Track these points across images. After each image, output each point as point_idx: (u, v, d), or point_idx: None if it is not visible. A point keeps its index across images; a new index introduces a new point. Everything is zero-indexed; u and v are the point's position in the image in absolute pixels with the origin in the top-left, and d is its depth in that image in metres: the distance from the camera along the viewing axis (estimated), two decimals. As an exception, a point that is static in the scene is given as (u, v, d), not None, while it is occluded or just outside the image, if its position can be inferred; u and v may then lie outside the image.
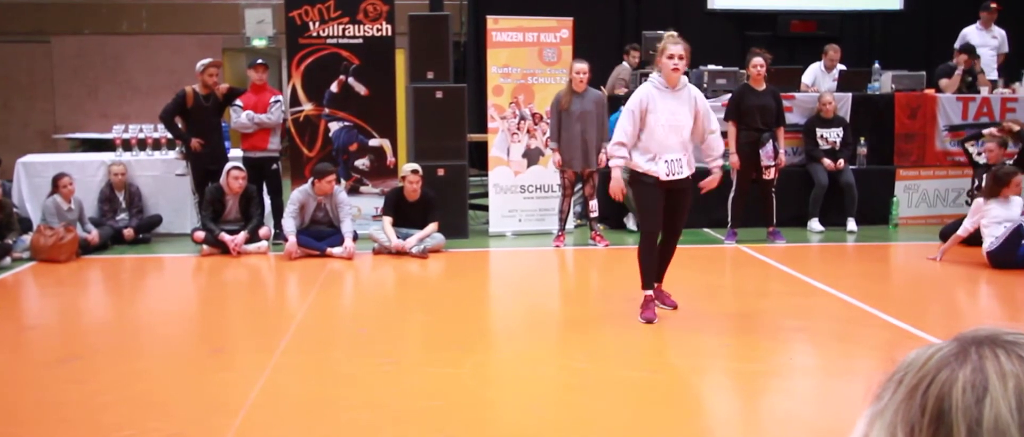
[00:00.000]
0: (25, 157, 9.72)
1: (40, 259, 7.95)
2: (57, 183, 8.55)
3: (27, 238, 8.13)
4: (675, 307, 6.05)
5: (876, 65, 10.62)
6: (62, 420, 4.11)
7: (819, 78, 10.58)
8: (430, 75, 9.11)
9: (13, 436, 3.91)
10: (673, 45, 5.49)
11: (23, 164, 9.46)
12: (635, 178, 5.68)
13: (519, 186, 9.38)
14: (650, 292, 5.81)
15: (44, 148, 12.85)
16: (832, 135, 9.47)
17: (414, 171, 8.28)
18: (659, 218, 5.72)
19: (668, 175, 5.59)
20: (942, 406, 0.77)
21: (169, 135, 9.18)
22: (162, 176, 9.37)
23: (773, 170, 8.54)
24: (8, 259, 7.85)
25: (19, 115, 14.58)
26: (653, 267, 5.83)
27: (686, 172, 5.67)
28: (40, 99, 14.78)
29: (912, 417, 0.79)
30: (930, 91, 10.12)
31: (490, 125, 9.41)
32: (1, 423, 4.07)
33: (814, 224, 9.27)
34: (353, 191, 9.10)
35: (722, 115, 9.05)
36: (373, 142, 9.23)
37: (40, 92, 14.77)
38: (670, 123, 5.56)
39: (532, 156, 9.40)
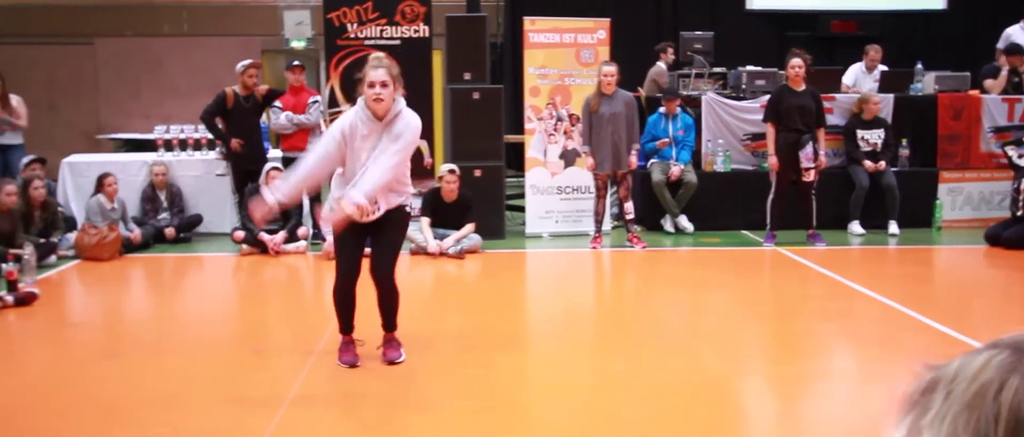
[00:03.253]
0: (70, 157, 9.88)
1: (84, 257, 8.08)
2: (101, 182, 8.69)
3: (72, 236, 8.27)
4: None
5: (919, 66, 10.45)
6: (104, 416, 4.17)
7: (860, 79, 10.45)
8: (467, 76, 9.13)
9: (56, 430, 3.98)
10: None
11: (68, 164, 9.62)
12: None
13: (556, 187, 9.37)
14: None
15: (88, 148, 13.05)
16: (873, 137, 9.35)
17: (451, 172, 8.30)
18: None
19: None
20: (1020, 414, 0.76)
21: (210, 136, 9.29)
22: (203, 176, 9.48)
23: (813, 172, 8.45)
24: (53, 257, 7.99)
25: (64, 116, 14.83)
26: None
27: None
28: (84, 100, 15.03)
29: (983, 426, 0.77)
30: (975, 92, 9.96)
31: (527, 126, 9.41)
32: (45, 417, 4.14)
33: (855, 226, 9.16)
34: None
35: (761, 116, 9.02)
36: (410, 143, 9.25)
37: (84, 93, 15.02)
38: None
39: (569, 157, 9.39)
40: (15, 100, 9.61)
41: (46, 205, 8.22)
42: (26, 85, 12.27)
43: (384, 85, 4.61)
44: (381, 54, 4.97)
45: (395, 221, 4.85)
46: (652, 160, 9.30)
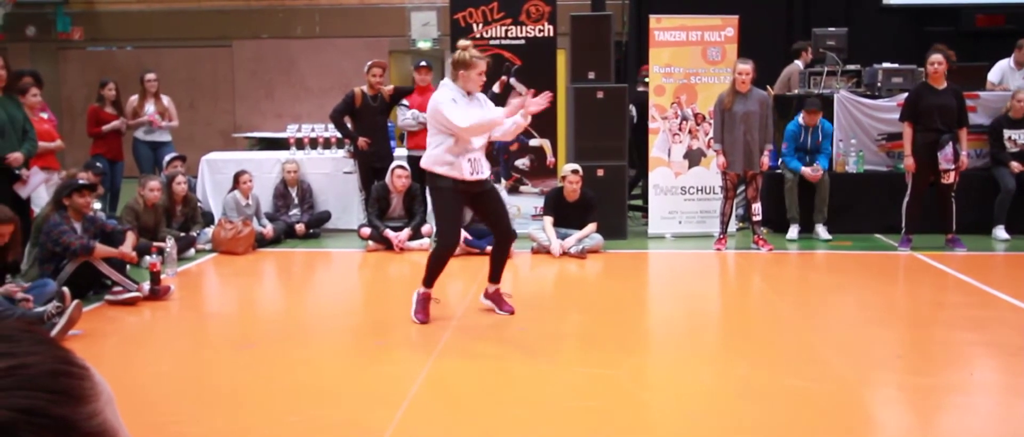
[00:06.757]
0: (208, 154, 10.32)
1: (220, 251, 8.42)
2: (238, 179, 9.04)
3: (209, 231, 8.63)
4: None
5: (1074, 62, 9.81)
6: (237, 404, 4.33)
7: (1008, 76, 9.88)
8: (591, 75, 9.08)
9: (192, 417, 4.15)
10: None
11: (207, 161, 10.06)
12: None
13: (680, 187, 9.23)
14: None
15: (225, 146, 13.64)
16: (1022, 137, 8.84)
17: (574, 172, 8.28)
18: None
19: None
20: None
21: (339, 134, 9.54)
22: (332, 174, 9.75)
23: (953, 173, 8.05)
24: (192, 250, 8.36)
25: (203, 115, 15.53)
26: None
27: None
28: (222, 100, 15.71)
29: None
30: None
31: (651, 125, 9.30)
32: (181, 404, 4.33)
33: (999, 231, 8.69)
34: (513, 190, 9.20)
35: (898, 115, 8.64)
36: (533, 142, 9.29)
37: (222, 93, 15.70)
38: None
39: (694, 157, 9.23)
40: (166, 100, 10.18)
41: (187, 200, 8.61)
42: (169, 85, 12.90)
43: (482, 74, 5.59)
44: (466, 46, 5.71)
45: (494, 190, 5.81)
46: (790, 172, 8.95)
